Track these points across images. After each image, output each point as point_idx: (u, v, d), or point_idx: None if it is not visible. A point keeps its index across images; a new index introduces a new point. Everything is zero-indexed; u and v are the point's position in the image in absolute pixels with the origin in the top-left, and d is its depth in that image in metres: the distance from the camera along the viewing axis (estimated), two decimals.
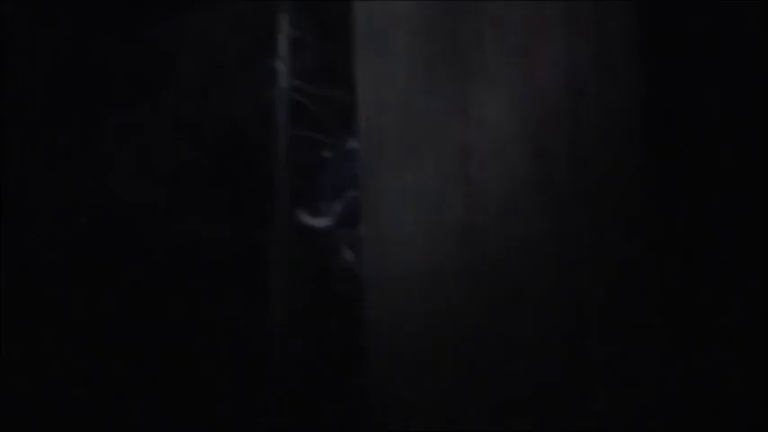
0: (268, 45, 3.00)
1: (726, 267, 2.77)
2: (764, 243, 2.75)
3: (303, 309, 2.95)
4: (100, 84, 3.02)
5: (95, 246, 2.96)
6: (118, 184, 2.99)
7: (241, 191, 2.98)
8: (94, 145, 3.00)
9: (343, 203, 2.97)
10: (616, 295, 2.81)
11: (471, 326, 2.84)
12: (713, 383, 2.75)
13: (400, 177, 2.93)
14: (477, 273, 2.85)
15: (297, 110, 3.00)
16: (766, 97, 2.77)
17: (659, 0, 2.86)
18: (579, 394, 2.78)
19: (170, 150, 3.00)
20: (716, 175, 2.81)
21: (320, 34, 3.02)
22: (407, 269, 2.89)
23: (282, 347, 2.93)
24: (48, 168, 2.94)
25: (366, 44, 2.95)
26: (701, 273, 2.78)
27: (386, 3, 2.94)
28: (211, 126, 3.00)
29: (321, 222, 2.97)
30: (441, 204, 2.90)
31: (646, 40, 2.83)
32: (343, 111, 2.99)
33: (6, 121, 2.97)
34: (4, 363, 2.86)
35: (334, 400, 2.90)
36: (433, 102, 2.94)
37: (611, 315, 2.80)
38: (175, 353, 2.92)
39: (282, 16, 3.01)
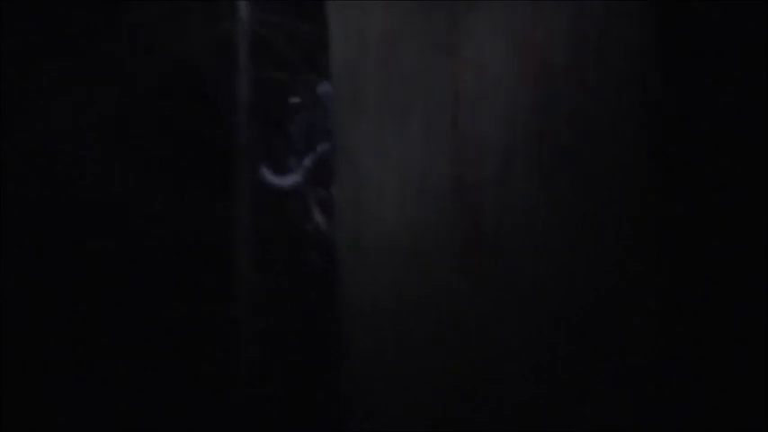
0: None
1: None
2: None
3: (270, 287, 2.49)
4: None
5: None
6: (48, 142, 2.31)
7: (194, 142, 2.43)
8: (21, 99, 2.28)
9: (313, 158, 2.53)
10: (624, 280, 2.63)
11: (459, 310, 2.56)
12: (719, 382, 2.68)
13: (380, 128, 2.56)
14: (469, 245, 2.57)
15: (260, 47, 2.48)
16: None
17: None
18: (579, 387, 2.61)
19: (107, 99, 2.37)
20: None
21: None
22: (386, 239, 2.54)
23: (248, 333, 2.47)
24: None
25: None
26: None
27: None
28: (158, 67, 2.41)
29: (289, 181, 2.51)
30: (427, 163, 2.57)
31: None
32: (313, 48, 2.52)
33: None
34: None
35: (306, 394, 2.50)
36: (421, 40, 2.59)
37: (617, 302, 2.64)
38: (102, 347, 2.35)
39: None
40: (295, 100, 2.50)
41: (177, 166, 2.39)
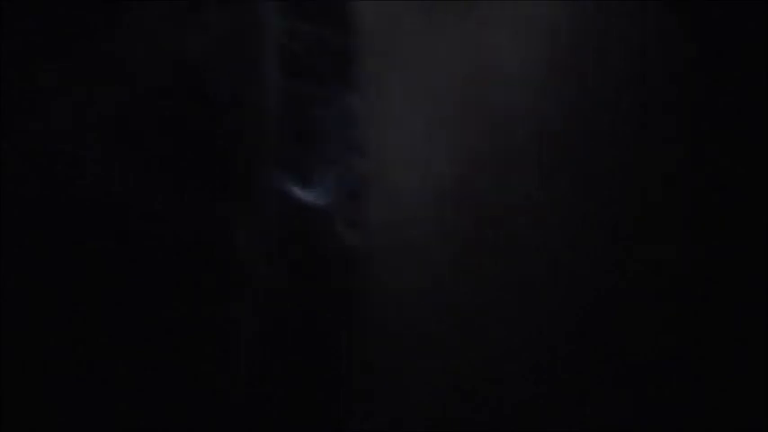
0: None
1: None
2: None
3: (290, 310, 2.35)
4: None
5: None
6: (50, 144, 2.21)
7: (211, 155, 2.32)
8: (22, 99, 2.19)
9: (341, 172, 2.40)
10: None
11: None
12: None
13: (412, 141, 2.42)
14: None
15: (284, 54, 2.37)
16: None
17: None
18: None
19: (114, 103, 2.27)
20: None
21: None
22: (422, 262, 2.40)
23: (257, 364, 2.32)
24: None
25: None
26: None
27: None
28: (176, 78, 2.30)
29: (314, 196, 2.38)
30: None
31: None
32: (342, 58, 2.40)
33: None
34: None
35: None
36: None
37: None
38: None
39: None
40: (322, 111, 2.38)
41: (196, 179, 2.28)
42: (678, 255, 2.49)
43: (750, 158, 2.50)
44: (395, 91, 2.42)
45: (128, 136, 2.27)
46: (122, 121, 2.27)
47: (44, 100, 2.20)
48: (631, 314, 2.41)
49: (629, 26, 2.55)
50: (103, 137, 2.24)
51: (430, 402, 2.38)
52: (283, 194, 2.36)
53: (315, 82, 2.38)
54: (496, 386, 2.43)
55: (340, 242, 2.39)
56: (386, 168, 2.43)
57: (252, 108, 2.33)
